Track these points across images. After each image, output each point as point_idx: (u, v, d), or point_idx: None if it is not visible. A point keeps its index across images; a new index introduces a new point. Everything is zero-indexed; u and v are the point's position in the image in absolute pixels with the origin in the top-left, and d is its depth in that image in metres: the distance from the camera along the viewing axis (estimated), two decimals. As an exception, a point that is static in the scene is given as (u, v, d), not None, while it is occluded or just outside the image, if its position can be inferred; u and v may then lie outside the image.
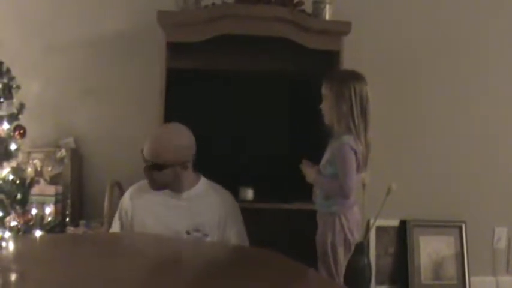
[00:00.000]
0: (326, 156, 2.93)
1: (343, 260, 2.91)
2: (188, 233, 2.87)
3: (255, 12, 3.50)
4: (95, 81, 3.91)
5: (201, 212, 2.91)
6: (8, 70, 3.29)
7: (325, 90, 2.92)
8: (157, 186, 2.93)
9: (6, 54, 3.29)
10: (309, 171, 2.95)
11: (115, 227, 3.03)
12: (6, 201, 3.20)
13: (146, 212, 2.95)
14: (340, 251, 2.88)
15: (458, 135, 4.14)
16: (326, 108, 2.93)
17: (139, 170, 2.98)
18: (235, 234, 2.95)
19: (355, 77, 2.90)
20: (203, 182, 3.01)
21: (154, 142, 2.92)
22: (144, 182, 3.03)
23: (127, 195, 3.06)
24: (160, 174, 2.88)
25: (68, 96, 3.90)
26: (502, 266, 4.22)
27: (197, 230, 2.88)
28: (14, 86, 3.28)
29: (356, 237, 2.96)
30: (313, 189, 3.01)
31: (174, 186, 2.95)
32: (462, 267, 4.08)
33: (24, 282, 1.64)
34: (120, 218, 3.02)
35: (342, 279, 2.91)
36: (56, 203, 3.65)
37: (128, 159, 3.73)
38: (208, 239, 2.88)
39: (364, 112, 2.86)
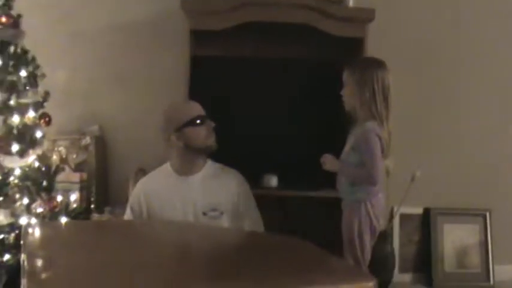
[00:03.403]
0: (349, 143, 2.92)
1: (369, 246, 2.91)
2: (205, 213, 2.91)
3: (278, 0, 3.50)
4: (120, 69, 3.93)
5: (215, 192, 2.94)
6: (34, 58, 3.31)
7: (347, 77, 2.91)
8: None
9: (32, 42, 3.31)
10: (332, 162, 2.93)
11: (127, 215, 3.03)
12: (32, 188, 3.23)
13: (160, 199, 2.96)
14: (367, 237, 2.87)
15: (483, 122, 4.10)
16: (347, 94, 2.92)
17: (163, 157, 2.99)
18: (248, 212, 2.99)
19: (378, 64, 2.88)
20: (210, 164, 3.03)
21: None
22: (155, 172, 3.09)
23: (140, 184, 3.08)
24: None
25: (93, 83, 3.93)
26: (527, 255, 4.19)
27: (214, 210, 2.91)
28: (39, 74, 3.30)
29: (381, 223, 2.96)
30: (337, 177, 2.99)
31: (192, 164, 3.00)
32: (486, 256, 4.06)
33: (50, 268, 1.66)
34: (132, 206, 3.02)
35: (367, 266, 2.91)
36: (81, 190, 3.69)
37: (153, 146, 3.74)
38: (224, 217, 2.92)
39: (386, 100, 2.85)
